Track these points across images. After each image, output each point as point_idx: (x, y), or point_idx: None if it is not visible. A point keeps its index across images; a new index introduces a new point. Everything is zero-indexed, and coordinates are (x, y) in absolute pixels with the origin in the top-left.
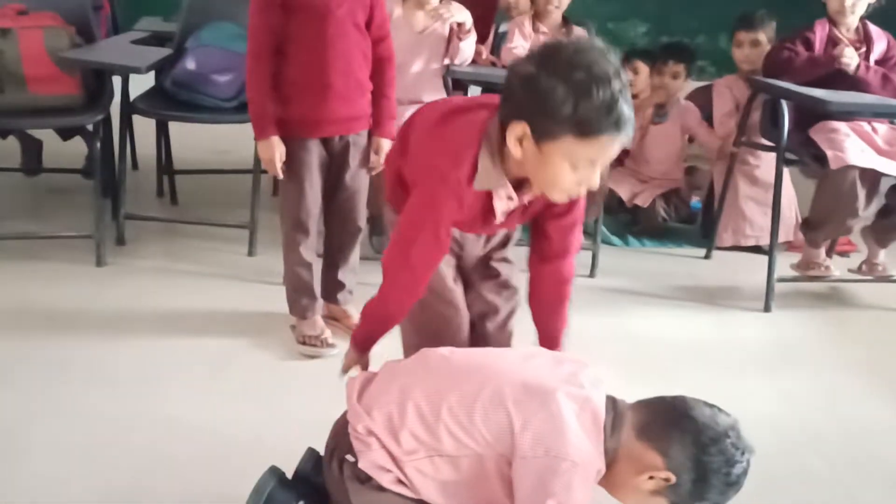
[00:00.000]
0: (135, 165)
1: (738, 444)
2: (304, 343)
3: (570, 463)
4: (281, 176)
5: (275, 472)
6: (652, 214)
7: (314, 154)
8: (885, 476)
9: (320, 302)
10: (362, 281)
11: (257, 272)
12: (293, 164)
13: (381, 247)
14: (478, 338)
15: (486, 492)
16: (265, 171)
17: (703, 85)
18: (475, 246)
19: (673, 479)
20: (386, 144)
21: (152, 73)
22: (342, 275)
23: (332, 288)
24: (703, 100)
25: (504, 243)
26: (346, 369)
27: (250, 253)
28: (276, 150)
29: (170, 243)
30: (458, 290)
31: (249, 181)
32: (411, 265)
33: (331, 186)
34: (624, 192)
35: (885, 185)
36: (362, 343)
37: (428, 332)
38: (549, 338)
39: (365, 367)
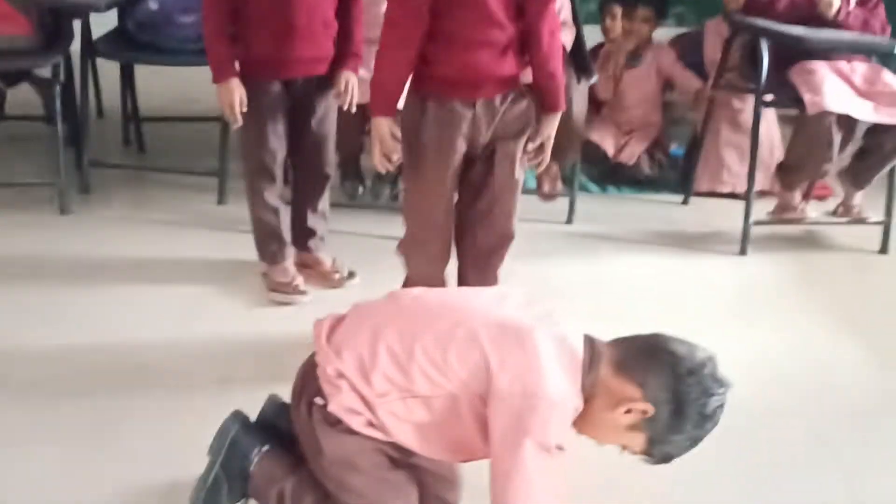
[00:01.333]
0: (100, 113)
1: (716, 375)
2: (274, 290)
3: (547, 401)
4: (239, 121)
5: (238, 417)
6: (637, 171)
7: (277, 97)
8: (851, 412)
9: (290, 248)
10: (334, 228)
11: (227, 220)
12: (255, 107)
13: (354, 192)
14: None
15: (459, 432)
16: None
17: (692, 30)
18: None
19: (651, 410)
20: (353, 79)
21: (115, 16)
22: (312, 222)
23: (303, 235)
24: (690, 45)
25: (518, 133)
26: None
27: (220, 201)
28: (236, 94)
29: (137, 192)
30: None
31: (218, 128)
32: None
33: (296, 131)
34: (608, 146)
35: (861, 129)
36: (386, 109)
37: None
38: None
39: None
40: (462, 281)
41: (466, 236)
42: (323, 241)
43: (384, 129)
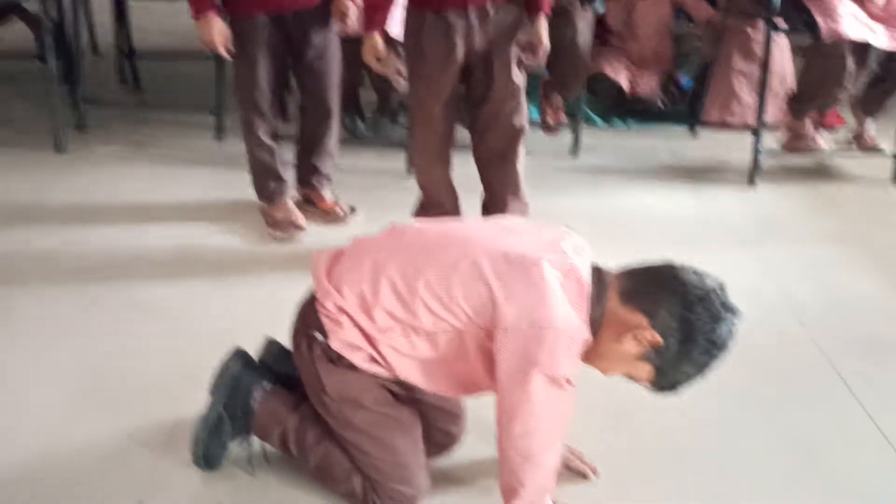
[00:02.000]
0: (94, 50)
1: (726, 303)
2: (273, 227)
3: (555, 332)
4: (226, 56)
5: (239, 355)
6: (650, 104)
7: (265, 32)
8: (863, 341)
9: (288, 185)
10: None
11: (225, 158)
12: (242, 43)
13: (353, 127)
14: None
15: (464, 368)
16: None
17: None
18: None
19: (659, 339)
20: (351, 7)
21: None
22: (316, 159)
23: (307, 173)
24: None
25: (510, 38)
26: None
27: (218, 138)
28: (214, 30)
29: (134, 129)
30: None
31: (214, 64)
32: None
33: (295, 68)
34: (623, 81)
35: (875, 55)
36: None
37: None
38: None
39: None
40: (486, 184)
41: (480, 142)
42: (328, 180)
43: (376, 40)
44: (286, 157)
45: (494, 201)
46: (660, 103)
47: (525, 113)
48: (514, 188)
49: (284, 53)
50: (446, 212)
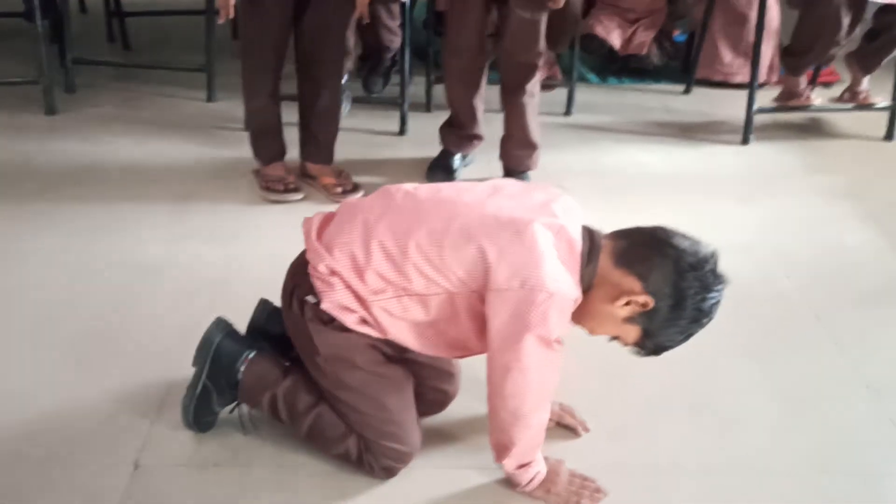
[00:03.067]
0: (83, 8)
1: (716, 272)
2: (266, 188)
3: (546, 293)
4: (231, 13)
5: (220, 326)
6: (645, 61)
7: None
8: (851, 295)
9: (285, 147)
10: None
11: (217, 118)
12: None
13: (374, 87)
14: None
15: (455, 330)
16: (218, 12)
17: None
18: None
19: (651, 303)
20: None
21: None
22: (315, 126)
23: (306, 141)
24: None
25: None
26: None
27: (209, 98)
28: None
29: (124, 89)
30: None
31: (204, 22)
32: None
33: (297, 29)
34: (615, 40)
35: (871, 9)
36: None
37: None
38: None
39: None
40: (504, 110)
41: (501, 72)
42: (328, 153)
43: None
44: (280, 118)
45: (505, 136)
46: (654, 60)
47: (537, 51)
48: (519, 126)
49: (291, 10)
50: (467, 135)
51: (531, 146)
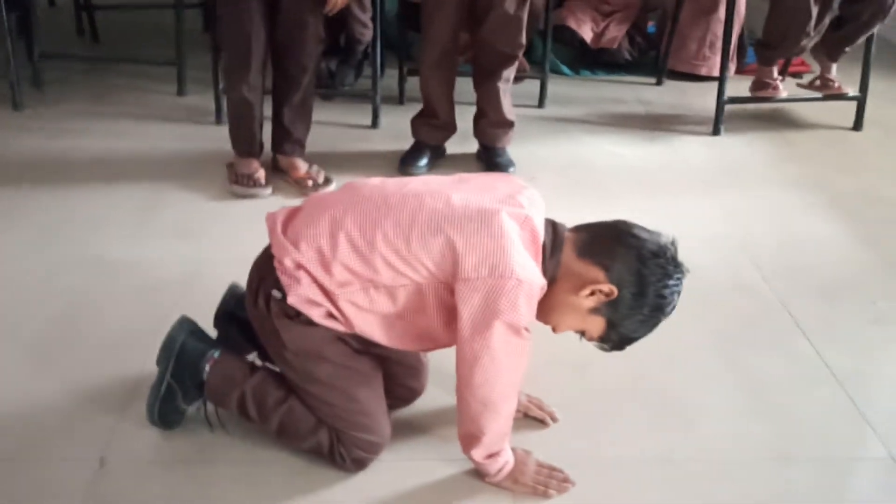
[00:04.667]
0: (51, 2)
1: (676, 260)
2: (236, 182)
3: (515, 280)
4: None
5: (184, 325)
6: (617, 55)
7: None
8: (817, 284)
9: (262, 141)
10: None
11: (188, 112)
12: None
13: (346, 80)
14: None
15: (423, 322)
16: (189, 6)
17: None
18: None
19: (615, 292)
20: None
21: None
22: (289, 121)
23: (279, 135)
24: None
25: None
26: None
27: (180, 92)
28: None
29: (93, 84)
30: None
31: (173, 15)
32: None
33: (274, 23)
34: (587, 33)
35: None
36: None
37: None
38: None
39: None
40: (477, 93)
41: (474, 57)
42: (300, 147)
43: None
44: (262, 114)
45: (479, 114)
46: (626, 55)
47: (519, 43)
48: (494, 106)
49: (268, 10)
50: (440, 126)
51: (506, 123)
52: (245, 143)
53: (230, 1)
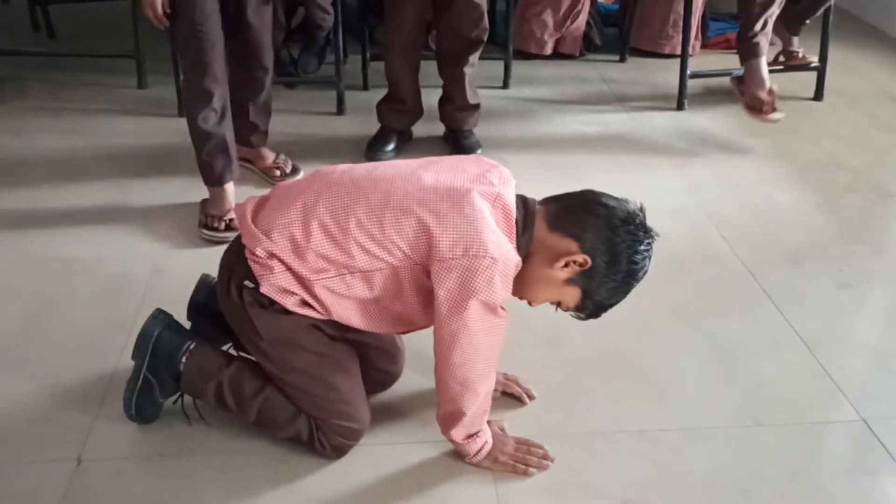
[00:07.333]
0: None
1: (645, 225)
2: (205, 226)
3: (490, 259)
4: (165, 23)
5: (158, 318)
6: (582, 49)
7: None
8: (783, 252)
9: (236, 164)
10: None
11: (150, 104)
12: (184, 4)
13: (308, 66)
14: None
15: (400, 305)
16: None
17: None
18: None
19: (589, 261)
20: None
21: None
22: (254, 116)
23: (244, 130)
24: None
25: None
26: None
27: (140, 85)
28: None
29: (50, 80)
30: None
31: (130, 7)
32: None
33: (231, 26)
34: (549, 50)
35: None
36: None
37: None
38: None
39: None
40: (442, 79)
41: (439, 44)
42: (266, 136)
43: None
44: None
45: (445, 99)
46: (591, 43)
47: (483, 27)
48: (459, 91)
49: (223, 12)
50: (406, 110)
51: (472, 107)
52: (223, 168)
53: (187, 14)
